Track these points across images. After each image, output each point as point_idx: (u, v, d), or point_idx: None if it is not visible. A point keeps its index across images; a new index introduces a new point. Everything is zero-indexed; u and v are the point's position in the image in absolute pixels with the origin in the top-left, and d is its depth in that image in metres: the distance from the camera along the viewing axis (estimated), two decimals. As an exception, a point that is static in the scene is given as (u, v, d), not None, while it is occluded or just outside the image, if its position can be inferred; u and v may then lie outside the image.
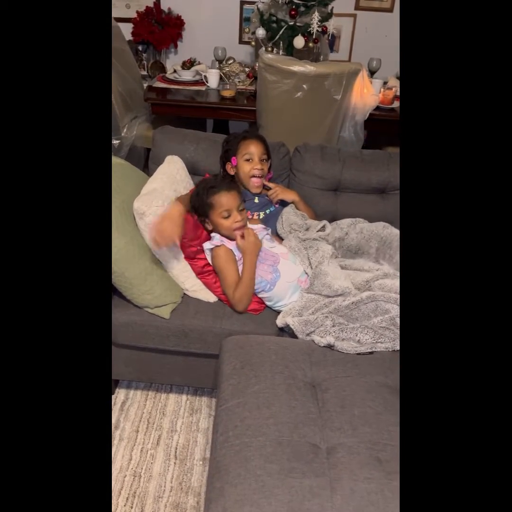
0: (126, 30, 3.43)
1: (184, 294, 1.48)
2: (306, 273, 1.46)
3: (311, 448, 0.98)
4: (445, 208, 0.73)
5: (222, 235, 1.43)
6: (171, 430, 1.56)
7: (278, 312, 1.45)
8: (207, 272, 1.45)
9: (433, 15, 0.74)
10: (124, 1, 3.60)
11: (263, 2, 2.72)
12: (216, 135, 1.82)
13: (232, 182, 1.43)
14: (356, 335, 1.30)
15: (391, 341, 1.29)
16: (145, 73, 3.50)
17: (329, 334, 1.31)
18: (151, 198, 1.36)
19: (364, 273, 1.49)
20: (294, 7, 2.58)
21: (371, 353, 1.26)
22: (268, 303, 1.47)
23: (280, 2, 2.61)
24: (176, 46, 3.65)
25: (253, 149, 1.61)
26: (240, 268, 1.41)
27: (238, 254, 1.41)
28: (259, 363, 1.19)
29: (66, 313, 0.67)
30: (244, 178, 1.61)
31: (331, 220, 1.78)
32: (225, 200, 1.38)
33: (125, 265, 1.32)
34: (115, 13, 3.61)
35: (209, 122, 3.46)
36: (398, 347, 1.28)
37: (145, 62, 3.63)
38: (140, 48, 3.61)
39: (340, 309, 1.34)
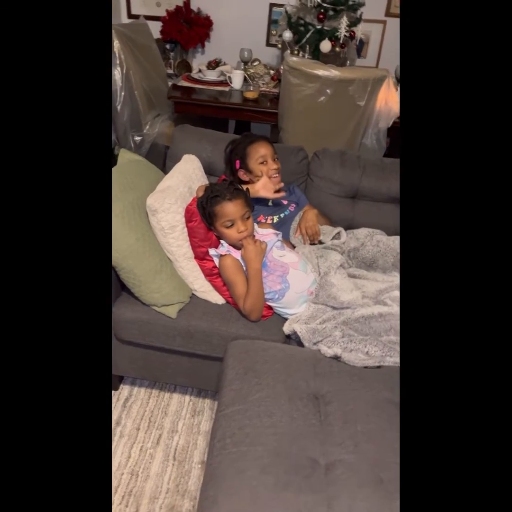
0: (156, 28, 3.46)
1: (193, 294, 1.46)
2: (317, 281, 1.42)
3: (310, 463, 0.95)
4: (446, 219, 0.70)
5: (229, 243, 1.40)
6: (172, 430, 1.55)
7: (286, 319, 1.43)
8: (216, 275, 1.43)
9: (432, 21, 0.72)
10: (155, -1, 3.63)
11: (291, 5, 2.71)
12: (233, 136, 1.80)
13: (236, 190, 1.36)
14: (365, 346, 1.26)
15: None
16: (171, 71, 3.52)
17: (337, 344, 1.28)
18: (164, 196, 1.35)
19: (377, 283, 1.46)
20: (322, 11, 2.56)
21: (379, 367, 1.22)
22: (276, 310, 1.44)
23: (308, 5, 2.59)
24: (203, 46, 3.66)
25: (264, 150, 1.59)
26: None
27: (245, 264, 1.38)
28: (262, 370, 1.17)
29: (66, 308, 0.66)
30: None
31: (347, 228, 1.74)
32: (228, 209, 1.33)
33: (135, 262, 1.31)
34: (145, 11, 3.66)
35: (231, 123, 3.46)
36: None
37: (172, 60, 3.66)
38: (168, 46, 3.63)
39: (349, 322, 1.31)
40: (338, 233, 1.62)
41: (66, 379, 0.65)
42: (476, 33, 0.70)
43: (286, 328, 1.37)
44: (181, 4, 3.49)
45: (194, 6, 3.55)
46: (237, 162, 1.61)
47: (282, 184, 1.61)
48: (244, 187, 1.44)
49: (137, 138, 2.96)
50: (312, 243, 1.58)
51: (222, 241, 1.41)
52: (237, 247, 1.38)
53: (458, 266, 0.69)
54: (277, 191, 1.57)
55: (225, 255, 1.37)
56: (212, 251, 1.39)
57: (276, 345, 1.28)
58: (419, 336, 0.70)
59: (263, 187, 1.51)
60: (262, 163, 1.58)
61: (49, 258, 0.65)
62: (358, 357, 1.23)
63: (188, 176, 1.54)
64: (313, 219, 1.57)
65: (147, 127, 2.94)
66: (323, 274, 1.39)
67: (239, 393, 1.11)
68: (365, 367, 1.21)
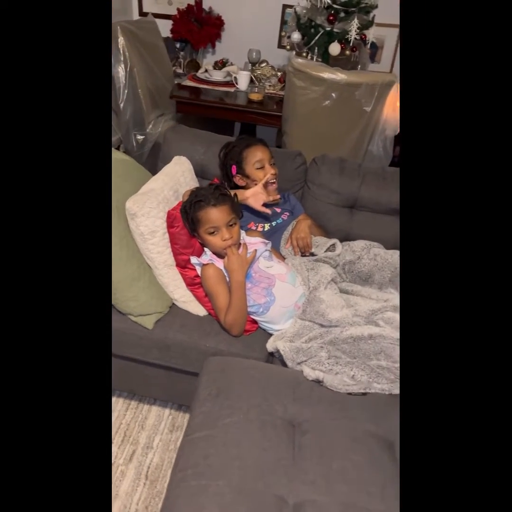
0: (167, 26, 3.41)
1: (173, 304, 1.38)
2: (306, 295, 1.33)
3: (276, 502, 0.86)
4: (448, 231, 0.65)
5: (212, 252, 1.32)
6: (147, 446, 1.47)
7: (271, 335, 1.34)
8: (198, 284, 1.34)
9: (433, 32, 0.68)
10: (167, -3, 3.58)
11: (301, 6, 2.62)
12: (229, 138, 1.72)
13: (222, 195, 1.26)
14: (351, 370, 1.17)
15: (389, 383, 1.14)
16: (181, 71, 3.46)
17: (322, 365, 1.18)
18: (145, 199, 1.27)
19: (371, 302, 1.36)
20: (333, 12, 2.46)
21: (364, 394, 1.12)
22: (261, 325, 1.35)
23: (319, 6, 2.49)
24: (213, 46, 3.60)
25: (261, 154, 1.50)
26: None
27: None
28: (237, 391, 1.08)
29: (65, 317, 0.63)
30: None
31: (343, 239, 1.64)
32: (212, 216, 1.23)
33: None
34: (157, 9, 3.61)
35: (237, 126, 3.38)
36: (396, 391, 1.13)
37: (181, 60, 3.60)
38: (178, 45, 3.58)
39: (336, 342, 1.21)
40: (333, 244, 1.52)
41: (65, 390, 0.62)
42: (480, 38, 0.66)
43: (269, 346, 1.28)
44: (192, 3, 3.44)
45: (206, 5, 3.49)
46: (234, 167, 1.52)
47: (278, 197, 1.52)
48: (233, 192, 1.35)
49: (140, 137, 2.90)
50: (303, 255, 1.49)
51: (205, 249, 1.33)
52: (221, 256, 1.30)
53: (461, 284, 0.65)
54: (268, 205, 1.48)
55: (207, 264, 1.29)
56: (193, 260, 1.31)
57: (255, 365, 1.19)
58: (422, 363, 0.63)
59: (253, 195, 1.43)
60: (259, 168, 1.50)
61: (47, 261, 0.63)
62: (342, 382, 1.13)
63: (175, 179, 1.46)
64: (305, 230, 1.47)
65: (150, 126, 2.88)
66: (312, 289, 1.30)
67: (208, 416, 1.02)
68: (349, 393, 1.11)
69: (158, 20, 3.15)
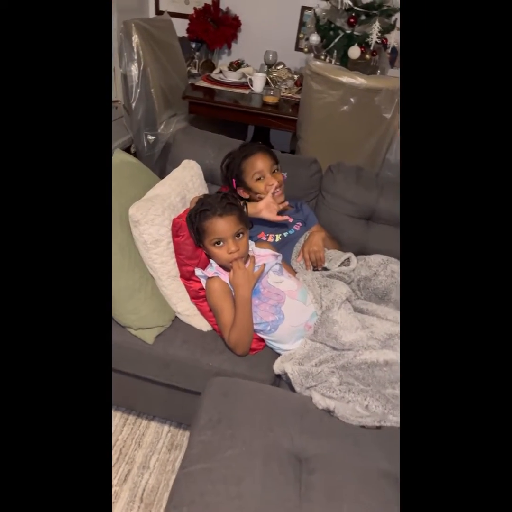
0: (183, 26, 3.35)
1: (176, 317, 1.30)
2: (318, 315, 1.24)
3: (279, 551, 0.77)
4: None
5: (218, 264, 1.23)
6: (144, 466, 1.39)
7: (279, 354, 1.25)
8: (203, 298, 1.26)
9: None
10: (184, -4, 3.53)
11: (321, 8, 2.54)
12: (241, 142, 1.64)
13: (230, 205, 1.17)
14: (365, 399, 1.07)
15: (406, 415, 1.05)
16: (196, 71, 3.40)
17: (333, 391, 1.09)
18: (149, 205, 1.19)
19: (387, 324, 1.26)
20: (354, 14, 2.38)
21: (378, 427, 1.03)
22: (268, 344, 1.27)
23: (339, 8, 2.41)
24: (229, 47, 3.53)
25: (261, 165, 1.40)
26: None
27: None
28: (240, 419, 0.99)
29: (62, 328, 0.61)
30: (261, 198, 1.40)
31: (358, 252, 1.55)
32: (218, 226, 1.15)
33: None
34: (173, 8, 3.56)
35: (251, 128, 3.30)
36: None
37: (196, 60, 3.54)
38: (193, 45, 3.52)
39: (349, 367, 1.12)
40: (347, 259, 1.43)
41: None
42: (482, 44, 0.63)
43: (277, 367, 1.20)
44: (209, 2, 3.38)
45: (223, 5, 3.42)
46: (234, 180, 1.44)
47: (286, 203, 1.42)
48: (242, 201, 1.27)
49: (151, 138, 2.84)
50: (315, 269, 1.40)
51: (211, 261, 1.25)
52: (227, 268, 1.21)
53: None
54: (280, 213, 1.39)
55: (213, 277, 1.20)
56: (198, 272, 1.23)
57: (261, 388, 1.11)
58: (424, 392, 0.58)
59: (267, 207, 1.34)
60: (259, 179, 1.40)
61: (42, 267, 0.61)
62: (354, 412, 1.04)
63: (183, 184, 1.38)
64: (319, 243, 1.38)
65: (162, 126, 2.82)
66: (325, 309, 1.21)
67: (208, 447, 0.93)
68: (362, 426, 1.02)
69: (174, 20, 3.09)
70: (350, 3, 2.36)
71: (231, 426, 0.97)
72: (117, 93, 3.51)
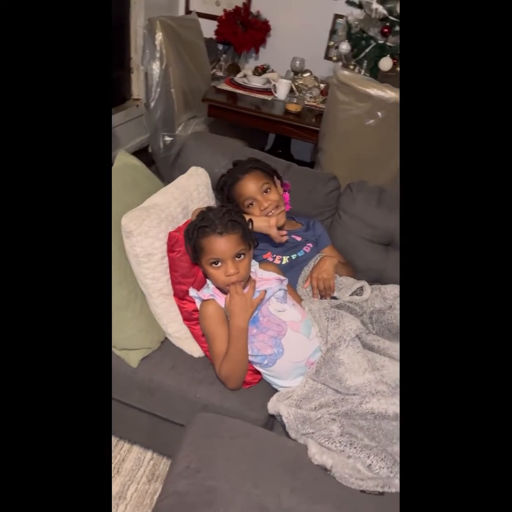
0: (212, 27, 3.28)
1: (166, 338, 1.19)
2: (322, 351, 1.10)
3: None
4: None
5: (215, 285, 1.11)
6: (120, 496, 1.27)
7: (276, 390, 1.12)
8: (196, 320, 1.14)
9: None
10: (216, -2, 3.46)
11: (354, 16, 2.42)
12: (258, 152, 1.52)
13: (232, 222, 1.05)
14: (368, 457, 0.94)
15: (414, 480, 0.91)
16: (221, 74, 3.32)
17: (333, 442, 0.96)
18: (144, 215, 1.08)
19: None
20: (388, 24, 2.25)
21: (381, 493, 0.89)
22: (265, 377, 1.14)
23: (373, 17, 2.28)
24: (257, 51, 3.44)
25: (249, 190, 1.26)
26: None
27: None
28: (221, 469, 0.87)
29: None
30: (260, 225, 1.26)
31: (374, 281, 1.42)
32: (216, 245, 1.03)
33: (95, 292, 1.04)
34: (204, 8, 3.51)
35: (271, 135, 3.20)
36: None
37: (222, 63, 3.45)
38: (220, 47, 3.44)
39: (353, 415, 0.99)
40: (361, 288, 1.29)
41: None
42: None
43: (271, 407, 1.06)
44: (241, 5, 3.29)
45: (254, 9, 3.34)
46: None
47: (283, 221, 1.29)
48: (248, 217, 1.15)
49: (168, 139, 2.76)
50: (322, 297, 1.26)
51: (208, 281, 1.13)
52: (225, 291, 1.09)
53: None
54: (288, 232, 1.27)
55: (208, 300, 1.08)
56: (192, 292, 1.11)
57: (250, 431, 0.98)
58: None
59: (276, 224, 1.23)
60: (251, 204, 1.28)
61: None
62: (355, 472, 0.90)
63: (187, 193, 1.27)
64: (329, 270, 1.25)
65: (180, 128, 2.73)
66: (331, 347, 1.07)
67: (182, 500, 0.81)
68: (362, 491, 0.88)
69: (204, 21, 3.01)
70: (385, 12, 2.23)
71: (210, 476, 0.85)
72: (139, 91, 3.45)
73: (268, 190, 1.28)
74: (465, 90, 0.62)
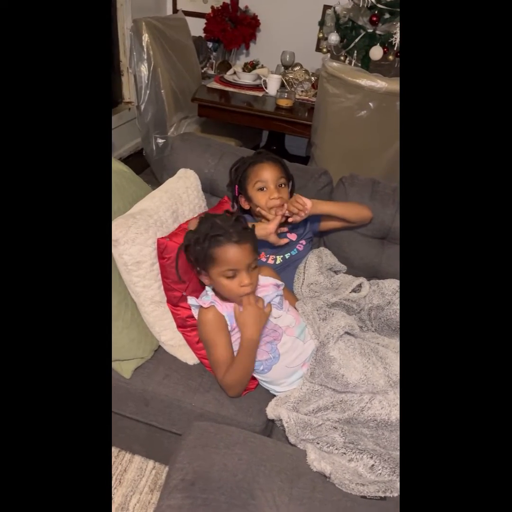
0: (200, 25, 3.24)
1: (159, 346, 1.16)
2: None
3: None
4: None
5: (225, 296, 1.05)
6: (123, 507, 1.25)
7: (273, 395, 1.10)
8: (191, 327, 1.12)
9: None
10: (203, -5, 3.41)
11: (341, 5, 2.37)
12: (247, 150, 1.49)
13: (245, 230, 1.01)
14: (371, 458, 0.91)
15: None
16: (212, 72, 3.28)
17: (335, 448, 0.94)
18: (131, 222, 1.05)
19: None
20: (376, 12, 2.20)
21: (383, 498, 0.86)
22: (261, 384, 1.11)
23: (361, 6, 2.24)
24: (247, 47, 3.40)
25: (267, 174, 1.23)
26: (234, 338, 1.05)
27: (232, 323, 1.04)
28: (216, 482, 0.84)
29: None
30: (261, 213, 1.25)
31: (371, 276, 1.39)
32: (233, 256, 0.97)
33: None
34: (191, 6, 3.46)
35: (265, 133, 3.16)
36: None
37: (213, 61, 3.42)
38: (210, 45, 3.40)
39: (354, 423, 0.96)
40: (360, 285, 1.26)
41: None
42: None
43: (270, 412, 1.04)
44: (228, 1, 3.25)
45: (242, 4, 3.29)
46: (236, 187, 1.29)
47: (285, 229, 1.26)
48: (250, 224, 1.09)
49: (160, 141, 2.74)
50: (286, 220, 1.22)
51: (206, 288, 1.09)
52: (226, 298, 1.06)
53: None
54: (281, 235, 1.24)
55: (208, 307, 1.05)
56: (191, 301, 1.07)
57: (247, 439, 0.95)
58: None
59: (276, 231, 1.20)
60: (261, 189, 1.24)
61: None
62: (355, 477, 0.88)
63: (176, 196, 1.24)
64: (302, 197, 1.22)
65: (172, 129, 2.70)
66: (320, 345, 1.04)
67: (176, 515, 0.79)
68: (363, 497, 0.86)
69: (192, 19, 2.97)
70: (373, 1, 2.19)
71: (205, 489, 0.83)
72: (130, 93, 3.42)
73: (283, 185, 1.26)
74: (466, 82, 0.60)
